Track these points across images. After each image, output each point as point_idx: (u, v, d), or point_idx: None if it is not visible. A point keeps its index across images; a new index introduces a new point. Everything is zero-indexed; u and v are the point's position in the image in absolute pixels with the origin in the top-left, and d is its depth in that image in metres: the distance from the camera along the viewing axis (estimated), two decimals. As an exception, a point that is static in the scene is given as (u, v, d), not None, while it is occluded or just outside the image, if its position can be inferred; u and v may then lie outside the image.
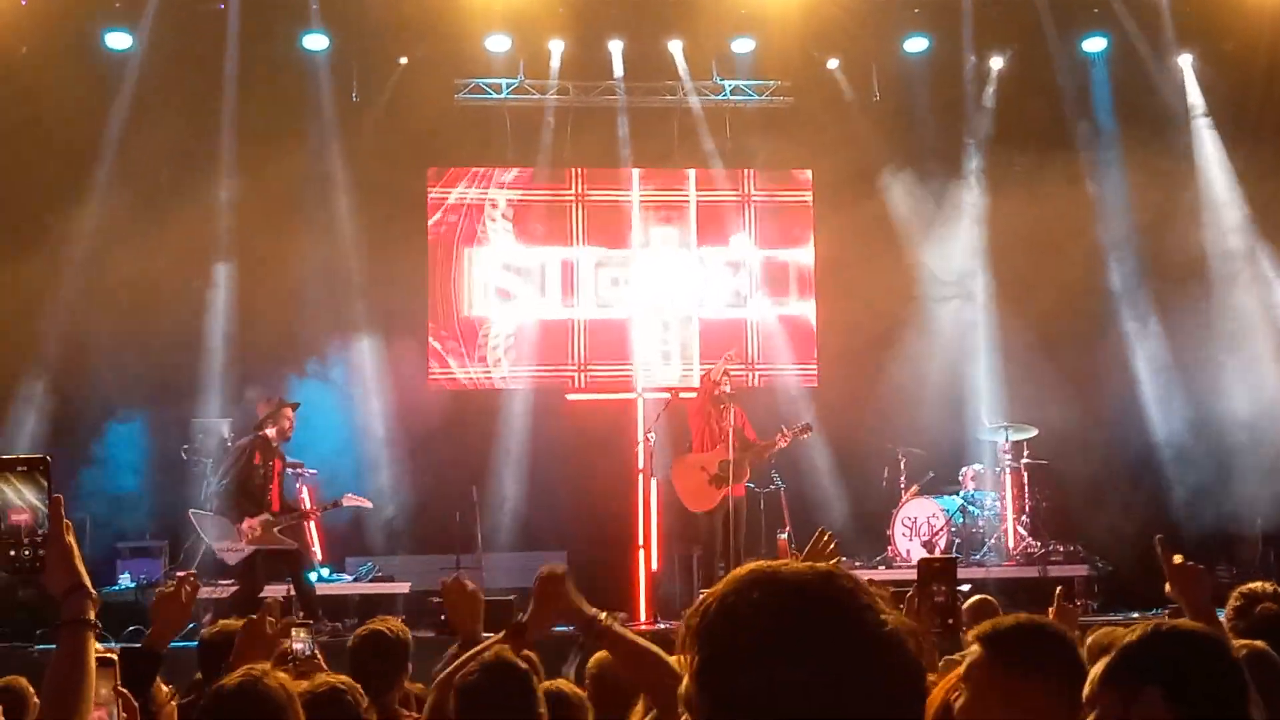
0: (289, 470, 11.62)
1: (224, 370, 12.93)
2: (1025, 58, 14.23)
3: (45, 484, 2.56)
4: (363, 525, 13.06)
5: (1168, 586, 3.89)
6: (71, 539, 2.58)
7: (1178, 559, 3.82)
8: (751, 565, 1.66)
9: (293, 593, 11.66)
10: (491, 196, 14.36)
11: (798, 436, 12.02)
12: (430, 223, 14.31)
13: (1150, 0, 13.73)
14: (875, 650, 1.58)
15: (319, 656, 4.85)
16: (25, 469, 2.56)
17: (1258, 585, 4.51)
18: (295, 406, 11.41)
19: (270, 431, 11.19)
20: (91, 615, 2.58)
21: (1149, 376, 13.72)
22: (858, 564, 12.64)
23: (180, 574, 4.34)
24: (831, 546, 3.72)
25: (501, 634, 3.54)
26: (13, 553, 2.54)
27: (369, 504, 11.91)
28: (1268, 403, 13.54)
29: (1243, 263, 13.89)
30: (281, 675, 3.58)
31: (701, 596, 1.66)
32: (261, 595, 11.18)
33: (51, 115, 13.07)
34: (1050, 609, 5.01)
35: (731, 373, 12.16)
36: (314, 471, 11.73)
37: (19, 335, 12.50)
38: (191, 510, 11.48)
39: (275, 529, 11.09)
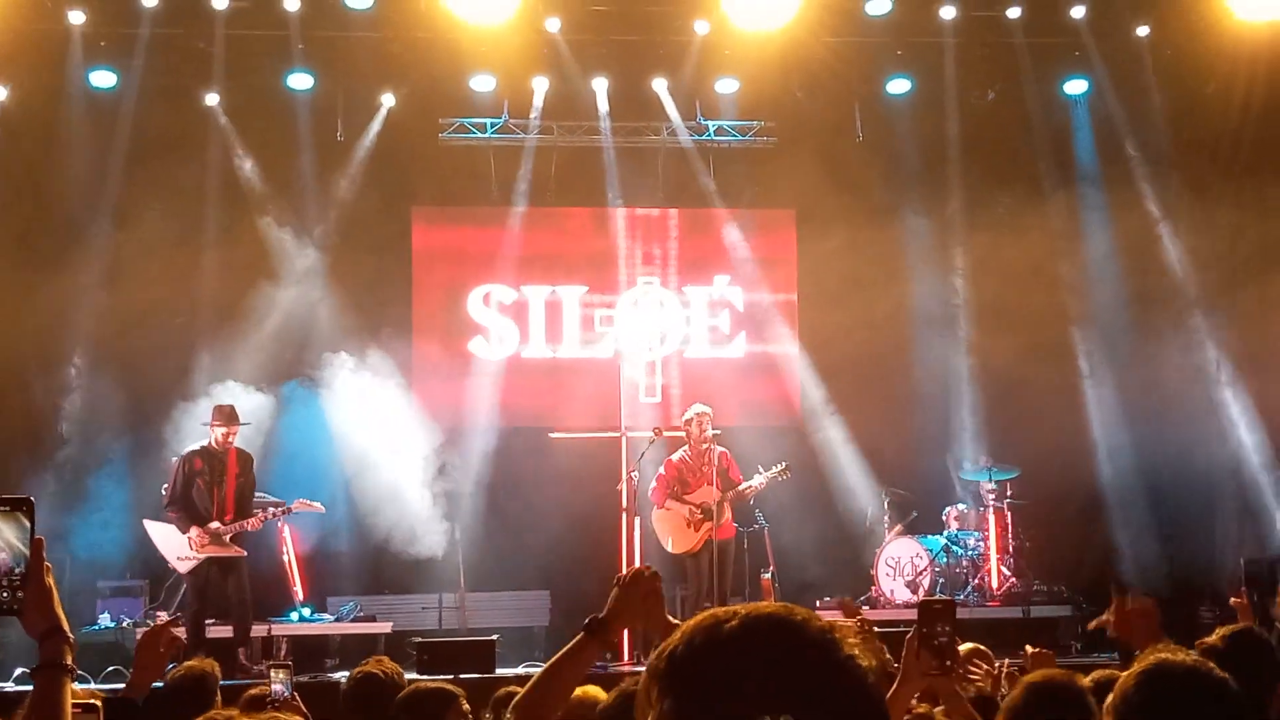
0: (274, 510, 11.55)
1: (206, 408, 12.87)
2: (1007, 99, 14.32)
3: (28, 524, 2.54)
4: (345, 564, 13.04)
5: (1110, 629, 3.97)
6: (51, 581, 2.55)
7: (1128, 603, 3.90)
8: (709, 610, 1.70)
9: (272, 632, 11.62)
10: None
11: (775, 479, 11.95)
12: (415, 263, 14.33)
13: (1130, 43, 13.85)
14: (841, 681, 1.62)
15: (297, 698, 4.83)
16: (8, 509, 2.54)
17: (1238, 627, 4.53)
18: (239, 423, 11.37)
19: (210, 440, 11.22)
20: (69, 660, 2.55)
21: (1133, 417, 13.74)
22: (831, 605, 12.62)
23: (160, 620, 4.26)
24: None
25: (580, 634, 3.17)
26: None
27: (320, 508, 11.82)
28: (1251, 443, 13.59)
29: (1222, 302, 13.97)
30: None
31: (664, 643, 1.67)
32: (209, 620, 11.22)
33: (36, 154, 13.13)
34: (1027, 652, 5.04)
35: (707, 422, 12.00)
36: (294, 506, 11.65)
37: (3, 372, 12.50)
38: (146, 520, 11.45)
39: (226, 536, 11.07)
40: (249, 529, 11.25)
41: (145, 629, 4.28)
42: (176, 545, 11.13)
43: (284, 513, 11.66)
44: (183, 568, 11.19)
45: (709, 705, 1.60)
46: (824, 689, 1.60)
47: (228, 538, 11.10)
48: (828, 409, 14.08)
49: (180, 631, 10.56)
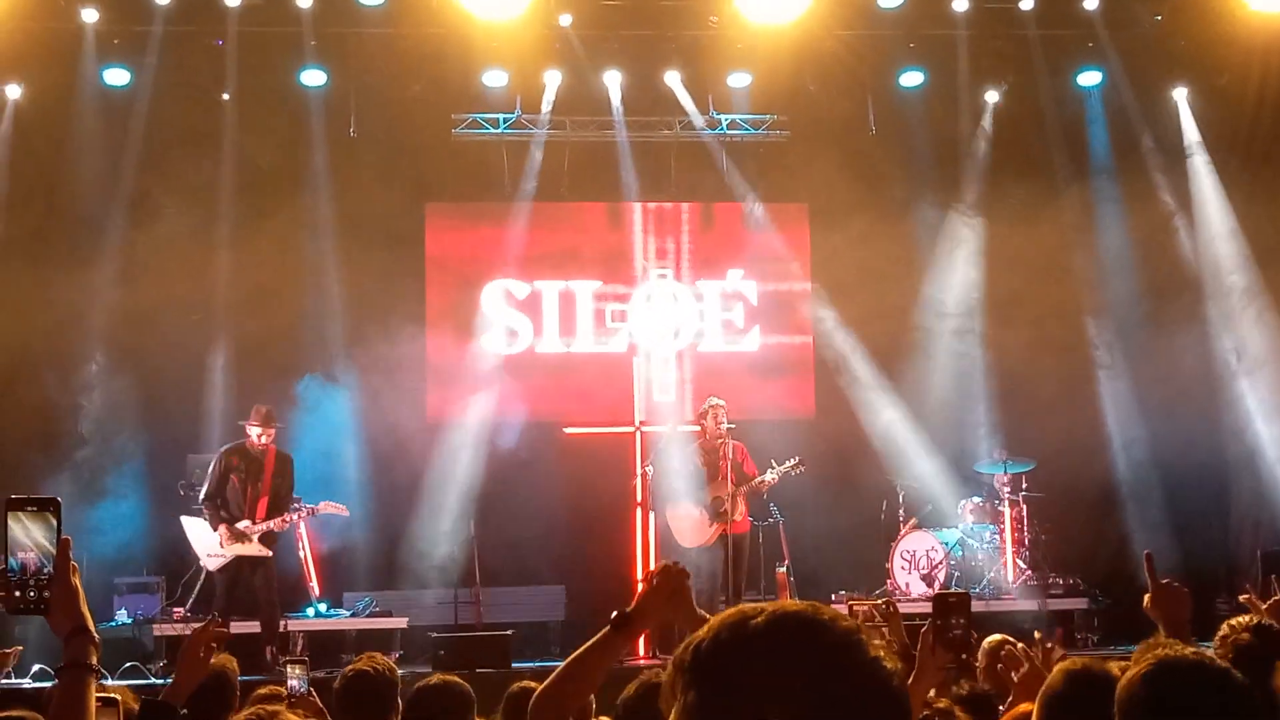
0: (299, 512, 11.57)
1: (221, 404, 12.92)
2: (1021, 91, 14.28)
3: (55, 524, 2.57)
4: (360, 559, 13.05)
5: (1146, 600, 3.97)
6: (77, 581, 2.58)
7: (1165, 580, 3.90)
8: (739, 606, 1.72)
9: (288, 628, 11.64)
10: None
11: (788, 473, 11.94)
12: (428, 258, 14.33)
13: (1144, 34, 13.80)
14: (866, 681, 1.63)
15: (313, 693, 4.82)
16: (36, 509, 2.57)
17: (1243, 619, 4.50)
18: (275, 424, 11.44)
19: (248, 439, 11.31)
20: (94, 660, 2.58)
21: (1148, 409, 13.70)
22: (857, 597, 12.62)
23: (201, 625, 4.15)
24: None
25: (606, 627, 3.12)
26: (17, 593, 2.54)
27: (345, 511, 11.84)
28: (1267, 435, 13.54)
29: (1239, 294, 13.91)
30: (291, 716, 3.55)
31: (690, 637, 1.68)
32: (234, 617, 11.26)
33: (50, 153, 13.16)
34: (1040, 648, 5.00)
35: (721, 415, 12.02)
36: (314, 508, 11.67)
37: (20, 369, 12.54)
38: (183, 516, 11.53)
39: (253, 536, 11.11)
40: (275, 530, 11.29)
41: (193, 627, 4.24)
42: (209, 543, 11.19)
43: (309, 514, 11.67)
44: (212, 565, 11.26)
45: (732, 700, 1.62)
46: (848, 689, 1.62)
47: (255, 537, 11.13)
48: (841, 401, 14.05)
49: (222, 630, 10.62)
